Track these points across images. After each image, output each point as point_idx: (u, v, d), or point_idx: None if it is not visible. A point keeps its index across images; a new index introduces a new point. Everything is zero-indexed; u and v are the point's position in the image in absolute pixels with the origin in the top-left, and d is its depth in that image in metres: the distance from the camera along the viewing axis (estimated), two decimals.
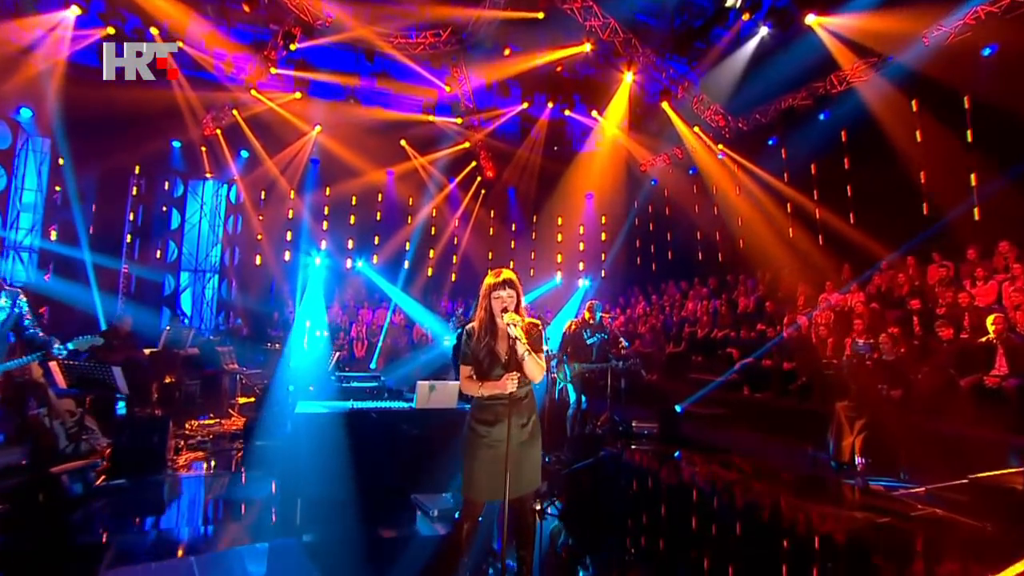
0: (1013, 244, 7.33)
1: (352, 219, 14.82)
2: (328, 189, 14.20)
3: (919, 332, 7.28)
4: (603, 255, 15.42)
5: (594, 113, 13.44)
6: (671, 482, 5.92)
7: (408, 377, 8.14)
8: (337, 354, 8.57)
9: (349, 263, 14.24)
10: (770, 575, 3.81)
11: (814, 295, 9.16)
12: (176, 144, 12.70)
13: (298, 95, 12.34)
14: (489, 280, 2.91)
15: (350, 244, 14.69)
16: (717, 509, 5.08)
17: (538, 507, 4.21)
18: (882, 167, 9.29)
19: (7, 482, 4.67)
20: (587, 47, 11.22)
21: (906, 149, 8.90)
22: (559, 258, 15.93)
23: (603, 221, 15.94)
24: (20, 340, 4.34)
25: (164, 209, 13.32)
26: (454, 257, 15.46)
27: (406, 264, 14.00)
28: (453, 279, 14.98)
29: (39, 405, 5.12)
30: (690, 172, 13.26)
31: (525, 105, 13.70)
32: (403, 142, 14.13)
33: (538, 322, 3.02)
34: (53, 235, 11.40)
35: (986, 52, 8.15)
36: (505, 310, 2.82)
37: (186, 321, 12.93)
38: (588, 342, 7.31)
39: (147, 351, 8.22)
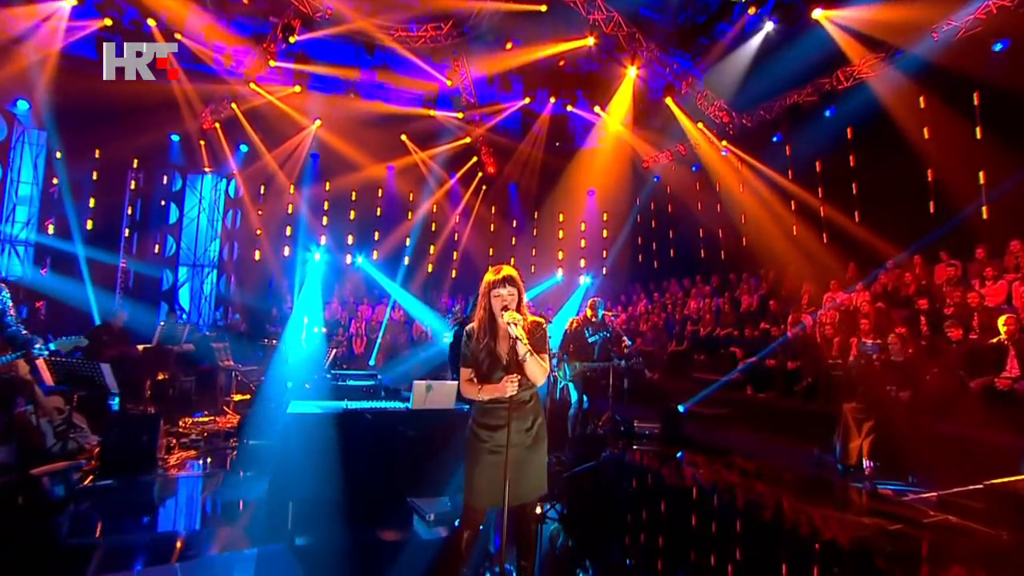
0: None
1: (352, 214, 14.72)
2: (328, 184, 14.09)
3: (926, 332, 7.16)
4: (605, 252, 15.26)
5: (597, 109, 13.31)
6: (673, 484, 5.79)
7: (407, 374, 8.04)
8: (334, 351, 8.45)
9: (349, 259, 14.12)
10: None
11: (818, 294, 9.04)
12: (174, 138, 12.59)
13: (297, 88, 12.22)
14: (489, 277, 2.74)
15: (350, 239, 14.60)
16: (721, 513, 4.94)
17: (539, 511, 4.08)
18: (888, 164, 9.19)
19: None
20: (590, 41, 11.10)
21: (913, 146, 8.77)
22: (560, 255, 15.79)
23: (605, 218, 15.79)
24: (1, 337, 4.20)
25: (162, 203, 13.19)
26: (454, 253, 15.37)
27: (406, 260, 13.92)
28: (453, 276, 14.88)
29: (27, 403, 4.98)
30: (693, 169, 13.14)
31: (527, 100, 13.58)
32: (403, 136, 14.01)
33: (542, 320, 2.84)
34: (51, 229, 11.30)
35: (998, 47, 8.00)
36: (506, 308, 2.65)
37: (184, 317, 12.82)
38: (590, 340, 7.19)
39: (141, 347, 8.09)
